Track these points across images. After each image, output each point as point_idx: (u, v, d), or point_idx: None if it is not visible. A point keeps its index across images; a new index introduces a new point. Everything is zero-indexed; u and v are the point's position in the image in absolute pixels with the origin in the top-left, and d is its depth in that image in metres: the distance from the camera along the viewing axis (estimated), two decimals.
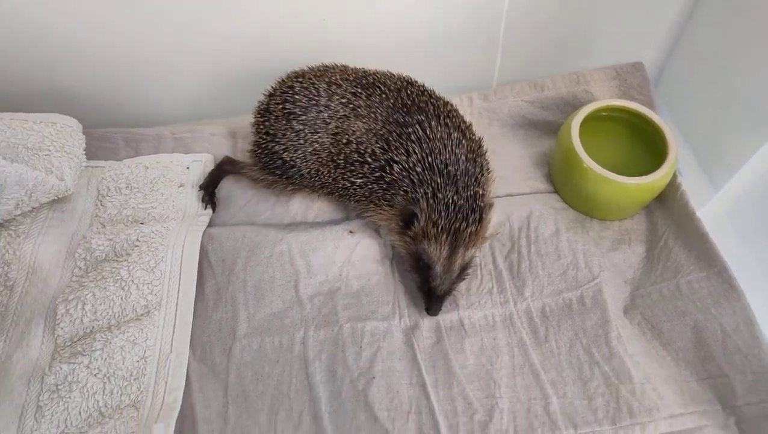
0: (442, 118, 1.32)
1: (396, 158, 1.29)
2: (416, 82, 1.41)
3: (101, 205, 1.44)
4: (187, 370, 1.24)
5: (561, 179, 1.50)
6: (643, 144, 1.47)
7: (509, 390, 1.23)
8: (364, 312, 1.34)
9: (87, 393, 1.18)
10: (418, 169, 1.27)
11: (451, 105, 1.39)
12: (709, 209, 1.47)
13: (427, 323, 1.32)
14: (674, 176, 1.42)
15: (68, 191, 1.39)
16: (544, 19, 1.59)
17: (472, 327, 1.31)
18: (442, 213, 1.24)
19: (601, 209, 1.45)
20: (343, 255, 1.41)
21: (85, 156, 1.45)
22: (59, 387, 1.18)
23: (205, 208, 1.50)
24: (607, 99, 1.50)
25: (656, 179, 1.35)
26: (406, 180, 1.29)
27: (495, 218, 1.44)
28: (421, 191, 1.26)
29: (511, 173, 1.55)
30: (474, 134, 1.36)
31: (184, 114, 1.75)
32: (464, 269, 1.30)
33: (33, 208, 1.36)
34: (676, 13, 1.60)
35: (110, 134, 1.59)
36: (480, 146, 1.35)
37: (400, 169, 1.29)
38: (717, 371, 1.21)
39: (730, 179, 1.41)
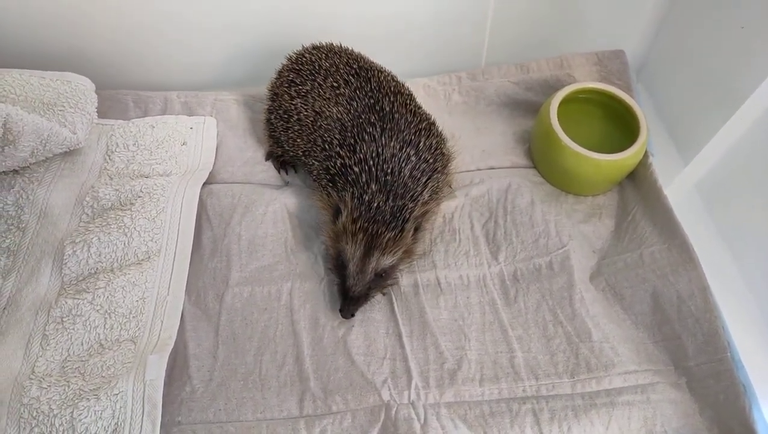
0: (407, 133, 1.34)
1: (341, 153, 1.33)
2: (405, 93, 1.44)
3: (110, 159, 1.54)
4: (182, 312, 1.33)
5: (539, 154, 1.59)
6: (618, 126, 1.55)
7: (478, 343, 1.32)
8: None
9: (89, 326, 1.27)
10: (356, 169, 1.29)
11: (430, 128, 1.40)
12: (679, 182, 1.56)
13: (405, 280, 1.41)
14: (645, 156, 1.50)
15: (79, 145, 1.50)
16: (531, 5, 1.68)
17: (448, 286, 1.40)
18: (363, 213, 1.26)
19: (575, 184, 1.54)
20: None
21: (96, 114, 1.55)
22: (64, 319, 1.27)
23: (287, 173, 1.61)
24: (585, 82, 1.59)
25: (627, 157, 1.44)
26: (342, 178, 1.32)
27: (476, 190, 1.53)
28: (351, 189, 1.29)
29: (493, 148, 1.64)
30: (436, 160, 1.36)
31: (193, 83, 1.84)
32: (381, 276, 1.31)
33: (47, 158, 1.47)
34: (657, 6, 1.69)
35: (121, 95, 1.70)
36: (435, 171, 1.35)
37: (341, 164, 1.32)
38: (671, 333, 1.29)
39: (697, 153, 1.50)
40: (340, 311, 1.30)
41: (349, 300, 1.29)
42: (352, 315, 1.31)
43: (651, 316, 1.33)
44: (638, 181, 1.52)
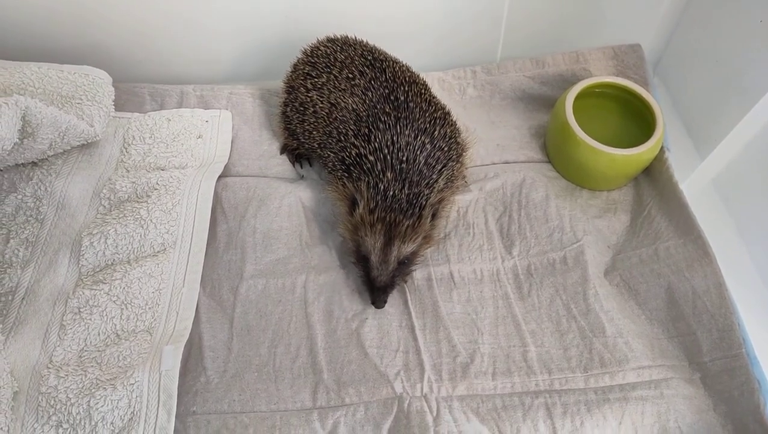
0: (422, 122, 1.34)
1: (356, 142, 1.34)
2: (420, 83, 1.44)
3: (126, 152, 1.56)
4: (197, 304, 1.34)
5: (554, 149, 1.59)
6: (634, 120, 1.54)
7: (491, 337, 1.32)
8: None
9: (106, 316, 1.29)
10: (371, 158, 1.30)
11: (445, 117, 1.40)
12: (695, 177, 1.56)
13: (419, 274, 1.41)
14: (662, 151, 1.49)
15: (97, 137, 1.51)
16: (547, 1, 1.68)
17: (461, 280, 1.41)
18: (380, 202, 1.27)
19: (590, 179, 1.53)
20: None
21: (113, 107, 1.56)
22: (81, 309, 1.29)
23: (302, 167, 1.62)
24: (601, 76, 1.58)
25: (642, 152, 1.43)
26: (358, 168, 1.32)
27: (490, 184, 1.53)
28: (366, 179, 1.30)
29: (508, 143, 1.63)
30: (451, 149, 1.37)
31: (209, 77, 1.85)
32: (404, 263, 1.32)
33: (64, 150, 1.48)
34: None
35: (137, 88, 1.71)
36: (450, 160, 1.36)
37: (356, 154, 1.33)
38: (686, 329, 1.29)
39: (714, 149, 1.50)
40: (373, 303, 1.32)
41: (377, 291, 1.31)
42: (385, 302, 1.32)
43: (666, 311, 1.33)
44: (654, 176, 1.52)
